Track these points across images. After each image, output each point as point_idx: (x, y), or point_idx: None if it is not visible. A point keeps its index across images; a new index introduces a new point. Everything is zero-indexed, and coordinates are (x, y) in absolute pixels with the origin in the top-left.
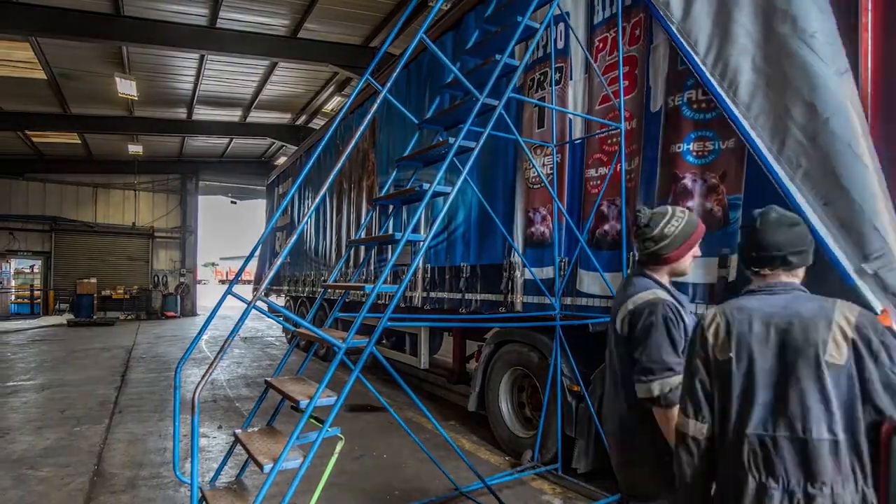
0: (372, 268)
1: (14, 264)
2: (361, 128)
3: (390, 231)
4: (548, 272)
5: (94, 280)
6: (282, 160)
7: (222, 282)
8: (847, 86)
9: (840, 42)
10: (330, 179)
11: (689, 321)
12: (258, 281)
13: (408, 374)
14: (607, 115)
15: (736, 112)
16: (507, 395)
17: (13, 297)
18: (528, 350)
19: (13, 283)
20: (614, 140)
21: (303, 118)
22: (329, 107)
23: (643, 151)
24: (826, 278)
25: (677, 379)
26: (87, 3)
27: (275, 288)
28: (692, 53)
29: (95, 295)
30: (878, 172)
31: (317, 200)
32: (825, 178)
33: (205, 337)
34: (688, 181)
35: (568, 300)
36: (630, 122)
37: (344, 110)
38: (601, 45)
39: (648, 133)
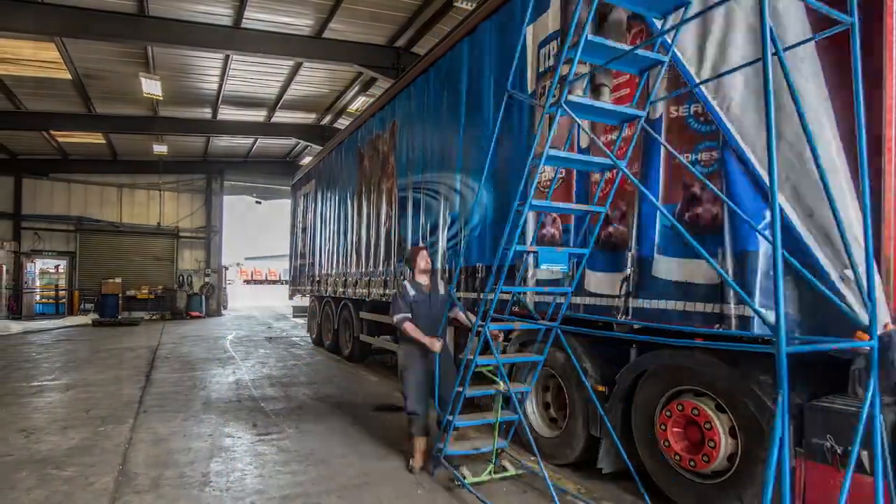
0: (392, 268)
1: (39, 264)
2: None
3: (408, 231)
4: (556, 272)
5: (118, 280)
6: (307, 160)
7: (247, 282)
8: (829, 108)
9: (821, 68)
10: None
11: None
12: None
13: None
14: None
15: (729, 126)
16: (532, 394)
17: (38, 297)
18: (554, 350)
19: (38, 283)
20: (618, 145)
21: (328, 118)
22: (354, 107)
23: (642, 158)
24: (811, 285)
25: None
26: (112, 4)
27: (298, 288)
28: (687, 69)
29: (120, 295)
30: (851, 189)
31: (338, 202)
32: (811, 192)
33: (230, 337)
34: (696, 189)
35: (577, 299)
36: (632, 129)
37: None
38: None
39: (647, 140)
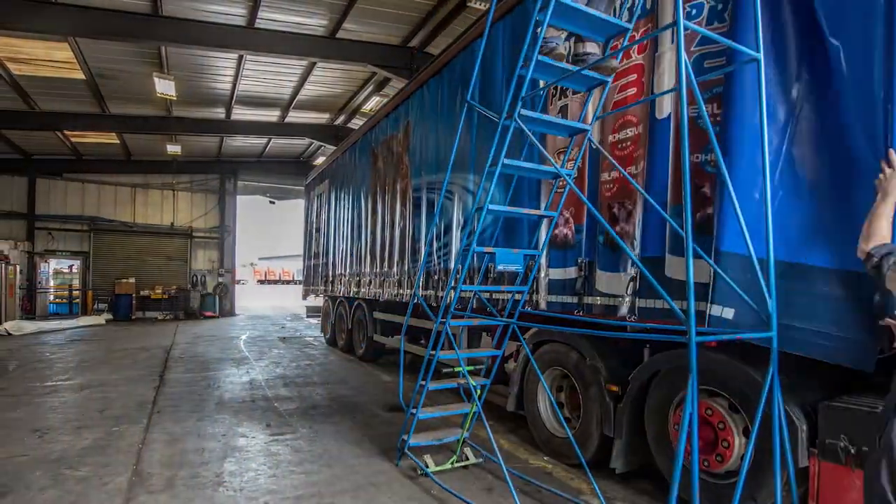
0: (406, 268)
1: (53, 264)
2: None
3: (422, 231)
4: (570, 272)
5: (132, 280)
6: (320, 160)
7: (261, 282)
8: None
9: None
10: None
11: None
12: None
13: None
14: (617, 120)
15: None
16: (545, 394)
17: (52, 297)
18: (568, 350)
19: (52, 282)
20: (625, 145)
21: (341, 118)
22: (368, 107)
23: (649, 156)
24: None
25: None
26: (126, 4)
27: (312, 288)
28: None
29: (134, 295)
30: None
31: (352, 202)
32: None
33: (243, 337)
34: (707, 189)
35: (588, 299)
36: (637, 128)
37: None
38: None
39: (654, 139)
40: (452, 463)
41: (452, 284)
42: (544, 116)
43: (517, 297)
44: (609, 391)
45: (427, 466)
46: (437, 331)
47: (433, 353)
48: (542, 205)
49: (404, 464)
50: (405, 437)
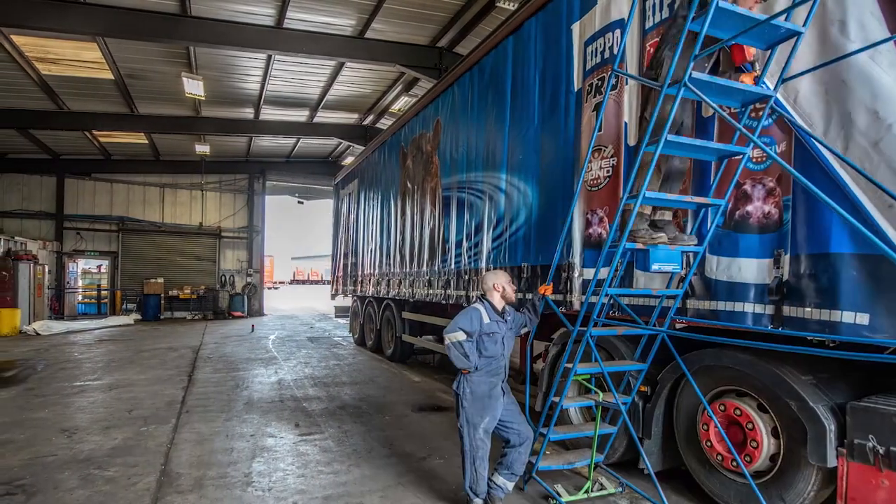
0: (436, 268)
1: (81, 264)
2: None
3: (452, 231)
4: (606, 272)
5: (161, 280)
6: (349, 160)
7: (290, 282)
8: None
9: None
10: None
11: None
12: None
13: None
14: None
15: (799, 120)
16: (574, 394)
17: (80, 297)
18: (597, 350)
19: (80, 282)
20: None
21: (370, 118)
22: (396, 107)
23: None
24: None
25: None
26: (155, 4)
27: (340, 288)
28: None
29: (162, 295)
30: None
31: (382, 202)
32: (890, 181)
33: (272, 337)
34: (748, 186)
35: (627, 300)
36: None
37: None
38: (651, 49)
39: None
40: (587, 491)
41: (595, 288)
42: (724, 81)
43: (669, 302)
44: (638, 391)
45: (560, 495)
46: (576, 340)
47: (569, 365)
48: (577, 206)
49: (532, 490)
50: (533, 459)
